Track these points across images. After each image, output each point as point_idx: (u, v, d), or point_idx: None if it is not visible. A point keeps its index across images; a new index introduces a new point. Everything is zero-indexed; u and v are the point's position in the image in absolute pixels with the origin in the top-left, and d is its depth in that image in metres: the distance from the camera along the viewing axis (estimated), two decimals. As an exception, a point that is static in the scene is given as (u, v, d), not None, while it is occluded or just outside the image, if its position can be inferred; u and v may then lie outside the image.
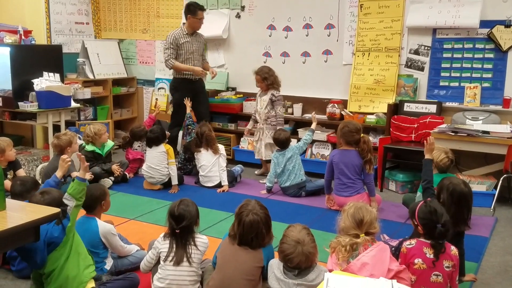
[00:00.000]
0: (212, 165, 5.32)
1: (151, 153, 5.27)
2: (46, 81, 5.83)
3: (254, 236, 2.77)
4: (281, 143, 5.17)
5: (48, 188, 3.16)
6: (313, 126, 5.37)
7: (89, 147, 5.33)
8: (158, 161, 5.23)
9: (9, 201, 2.96)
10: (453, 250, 2.78)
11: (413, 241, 2.79)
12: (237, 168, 5.60)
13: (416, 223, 2.85)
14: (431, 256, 2.73)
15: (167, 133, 5.69)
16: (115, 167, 5.36)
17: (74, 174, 5.07)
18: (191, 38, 6.01)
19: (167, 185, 5.27)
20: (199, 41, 6.11)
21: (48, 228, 2.78)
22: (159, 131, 5.37)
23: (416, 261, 2.74)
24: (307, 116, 6.07)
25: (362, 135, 4.59)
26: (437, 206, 2.84)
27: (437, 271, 2.74)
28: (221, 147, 5.43)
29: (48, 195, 2.99)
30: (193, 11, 5.91)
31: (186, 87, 6.03)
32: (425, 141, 3.59)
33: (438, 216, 2.76)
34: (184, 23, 6.11)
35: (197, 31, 6.11)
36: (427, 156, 3.52)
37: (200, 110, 6.16)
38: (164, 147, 5.25)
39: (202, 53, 6.20)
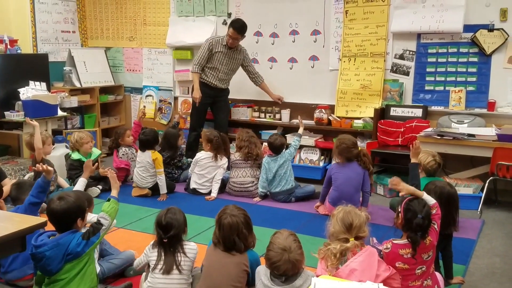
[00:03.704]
0: (210, 177, 5.33)
1: (141, 157, 5.26)
2: (32, 90, 5.80)
3: (236, 237, 2.78)
4: (276, 148, 5.16)
5: (65, 192, 3.00)
6: (300, 131, 5.40)
7: (75, 156, 5.27)
8: (145, 170, 5.22)
9: (-5, 212, 2.96)
10: (427, 240, 2.82)
11: (389, 245, 2.83)
12: (226, 174, 5.60)
13: (399, 210, 2.88)
14: (409, 256, 2.78)
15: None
16: (102, 170, 5.24)
17: (61, 181, 5.08)
18: (227, 51, 5.89)
19: (156, 192, 5.25)
20: (234, 58, 5.96)
21: (72, 240, 2.72)
22: (151, 134, 5.32)
23: (397, 264, 2.79)
24: (295, 121, 6.08)
25: (359, 148, 4.62)
26: (427, 204, 2.87)
27: (419, 265, 2.81)
28: (225, 160, 5.39)
29: (64, 201, 2.80)
30: (229, 26, 5.85)
31: (204, 91, 5.96)
32: (411, 145, 3.61)
33: (421, 208, 2.80)
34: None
35: (241, 48, 5.99)
36: (413, 160, 3.53)
37: (218, 118, 6.13)
38: (151, 157, 5.20)
39: (234, 69, 6.05)
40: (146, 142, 5.25)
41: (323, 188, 4.77)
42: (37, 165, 3.32)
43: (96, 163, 4.57)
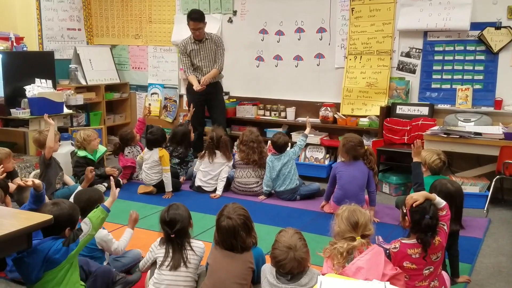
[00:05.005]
0: (215, 175, 5.33)
1: (148, 154, 5.28)
2: (38, 88, 5.80)
3: (234, 240, 2.77)
4: (279, 147, 5.14)
5: (61, 199, 2.97)
6: (307, 131, 5.36)
7: (81, 153, 5.28)
8: (150, 167, 5.24)
9: (2, 209, 2.96)
10: (436, 240, 2.79)
11: (397, 244, 2.81)
12: (232, 173, 5.60)
13: (404, 211, 2.85)
14: (417, 256, 2.76)
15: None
16: (109, 169, 5.29)
17: (67, 179, 5.08)
18: (199, 46, 5.92)
19: (162, 190, 5.25)
20: (208, 48, 5.96)
21: (52, 246, 2.67)
22: (158, 133, 5.34)
23: (405, 264, 2.77)
24: (300, 119, 6.08)
25: (365, 147, 4.60)
26: (432, 203, 2.84)
27: (428, 266, 2.79)
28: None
29: (57, 207, 2.79)
30: (187, 20, 5.86)
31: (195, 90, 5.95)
32: (412, 145, 3.59)
33: (428, 208, 2.77)
34: None
35: (212, 36, 5.99)
36: (415, 159, 3.51)
37: (212, 115, 6.13)
38: (158, 154, 5.22)
39: (212, 59, 6.00)
40: (155, 141, 5.29)
41: (328, 186, 4.75)
42: (23, 180, 3.13)
43: (93, 170, 4.57)
